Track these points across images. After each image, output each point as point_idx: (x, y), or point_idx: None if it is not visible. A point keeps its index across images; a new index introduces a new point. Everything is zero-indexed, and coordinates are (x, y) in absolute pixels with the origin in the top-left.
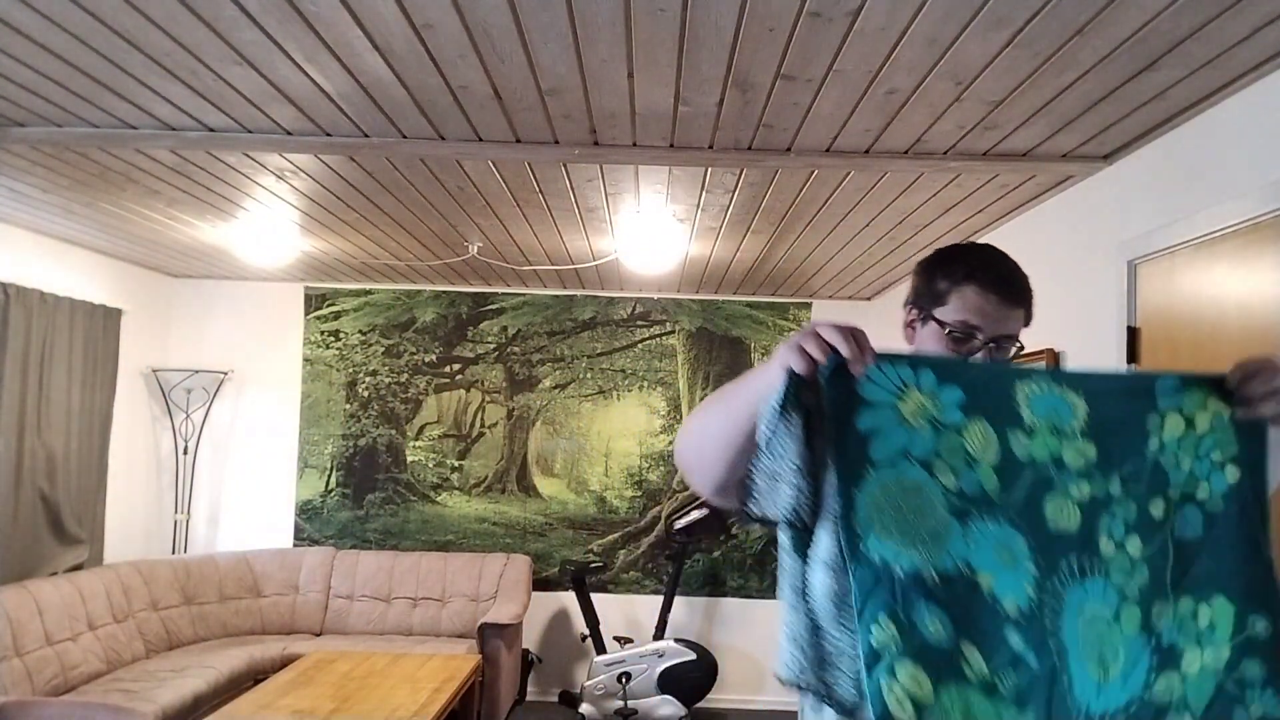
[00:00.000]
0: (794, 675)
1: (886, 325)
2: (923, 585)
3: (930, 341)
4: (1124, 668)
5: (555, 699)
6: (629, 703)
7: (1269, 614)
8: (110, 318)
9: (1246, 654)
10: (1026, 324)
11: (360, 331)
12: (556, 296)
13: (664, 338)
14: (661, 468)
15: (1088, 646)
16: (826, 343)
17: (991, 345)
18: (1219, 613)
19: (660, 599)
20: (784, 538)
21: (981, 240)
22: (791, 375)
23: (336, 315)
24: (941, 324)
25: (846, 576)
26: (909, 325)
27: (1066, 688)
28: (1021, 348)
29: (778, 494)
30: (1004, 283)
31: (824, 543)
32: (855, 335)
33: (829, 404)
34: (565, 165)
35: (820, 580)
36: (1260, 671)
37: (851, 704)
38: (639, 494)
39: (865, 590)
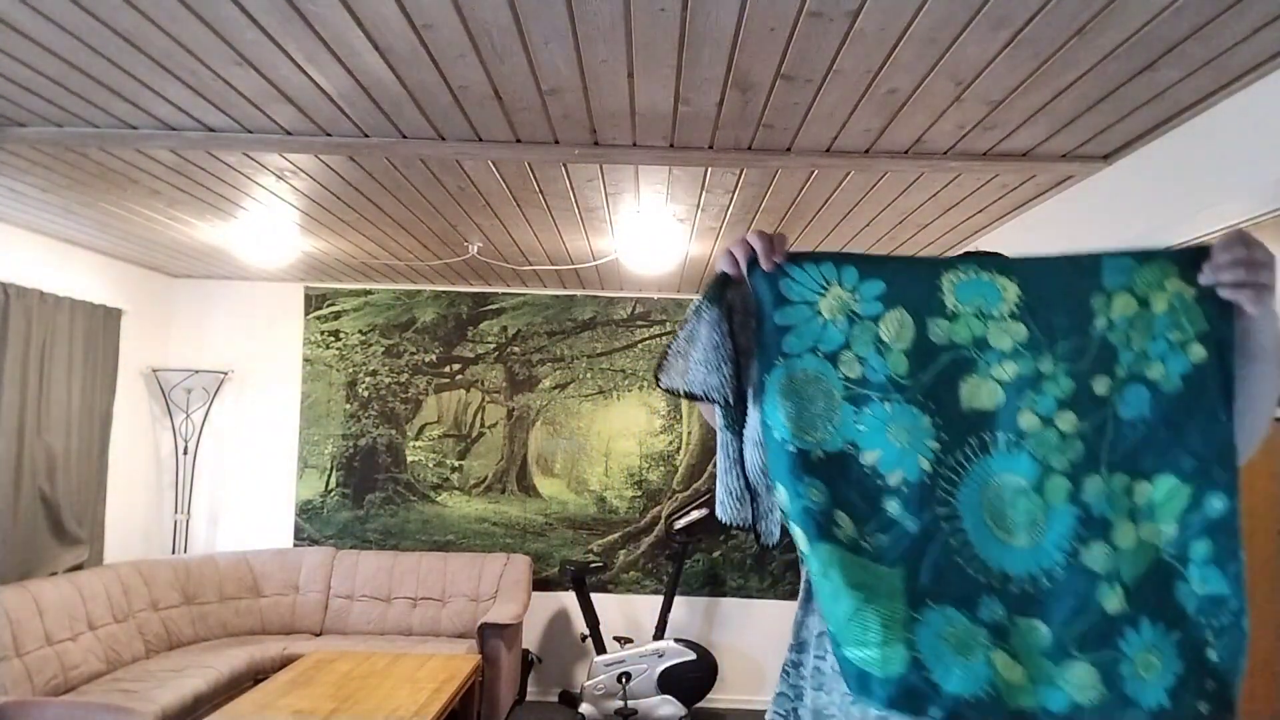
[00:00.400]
0: (732, 519)
1: None
2: (808, 461)
3: None
4: (1043, 535)
5: (555, 699)
6: (629, 703)
7: (1226, 493)
8: (110, 318)
9: (1197, 533)
10: None
11: (360, 331)
12: (556, 296)
13: (664, 338)
14: (662, 468)
15: (994, 514)
16: (749, 245)
17: None
18: (1164, 491)
19: (660, 599)
20: (719, 415)
21: (981, 241)
22: (719, 276)
23: (336, 315)
24: None
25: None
26: None
27: (968, 552)
28: None
29: (691, 374)
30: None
31: (754, 424)
32: (772, 239)
33: (755, 301)
34: (565, 165)
35: (749, 453)
36: (1208, 550)
37: (774, 544)
38: (639, 494)
39: (769, 461)
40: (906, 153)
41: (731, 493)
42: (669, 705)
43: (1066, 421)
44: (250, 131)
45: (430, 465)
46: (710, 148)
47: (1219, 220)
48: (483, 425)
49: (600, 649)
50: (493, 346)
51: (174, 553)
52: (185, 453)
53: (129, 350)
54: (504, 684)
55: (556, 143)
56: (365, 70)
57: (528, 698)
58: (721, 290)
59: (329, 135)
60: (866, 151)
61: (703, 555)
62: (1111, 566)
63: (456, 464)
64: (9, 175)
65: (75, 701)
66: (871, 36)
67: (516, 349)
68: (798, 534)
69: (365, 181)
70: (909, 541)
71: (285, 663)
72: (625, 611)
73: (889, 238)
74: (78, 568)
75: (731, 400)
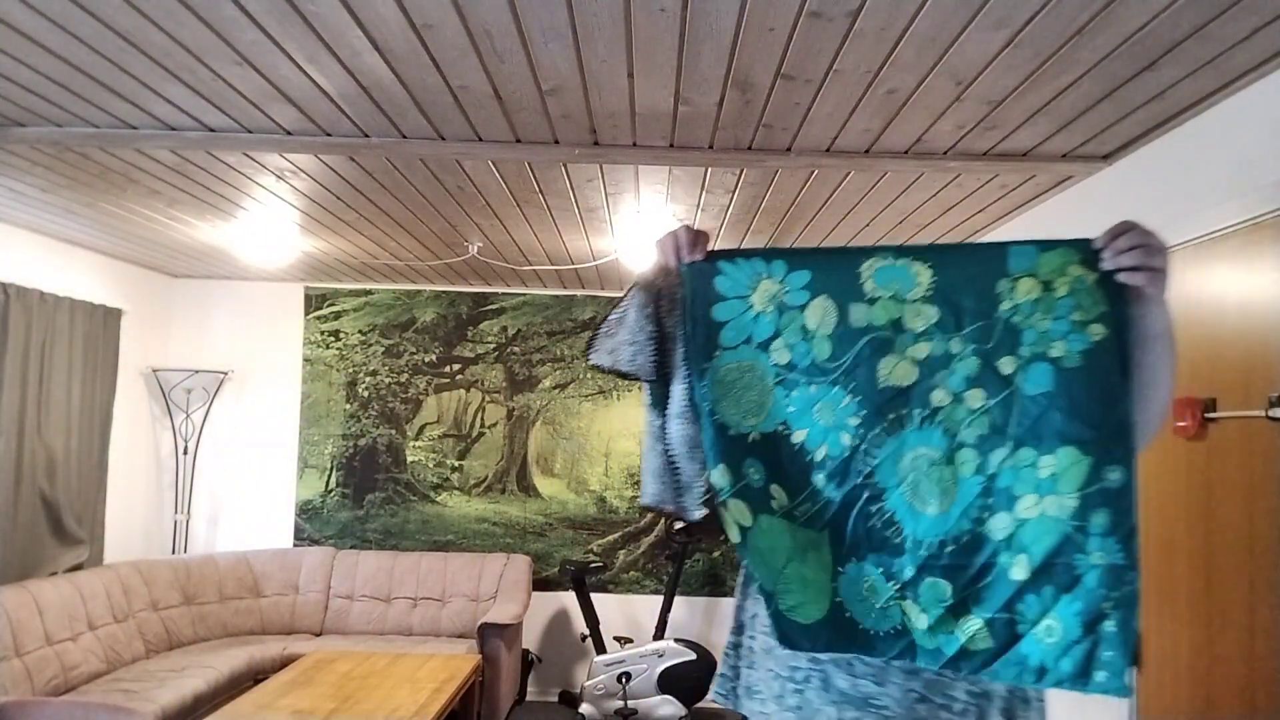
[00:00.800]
0: (655, 501)
1: None
2: (746, 442)
3: None
4: (952, 503)
5: (555, 699)
6: (629, 703)
7: (1123, 466)
8: (110, 318)
9: (1096, 504)
10: None
11: (360, 331)
12: (556, 296)
13: None
14: None
15: (910, 484)
16: (676, 239)
17: None
18: (1066, 464)
19: (660, 599)
20: (645, 392)
21: (980, 240)
22: (652, 266)
23: (336, 315)
24: None
25: (696, 425)
26: None
27: (886, 517)
28: None
29: (619, 352)
30: None
31: (677, 399)
32: (696, 234)
33: (689, 294)
34: (565, 165)
35: (675, 428)
36: (1106, 520)
37: (700, 519)
38: (639, 494)
39: (710, 444)
40: (906, 153)
41: (653, 471)
42: (669, 705)
43: (975, 398)
44: (250, 131)
45: (430, 465)
46: (710, 148)
47: (1219, 220)
48: (483, 425)
49: (600, 649)
50: (493, 346)
51: (174, 553)
52: (185, 453)
53: (129, 350)
54: (504, 684)
55: (556, 143)
56: (365, 70)
57: (528, 698)
58: (652, 280)
59: (329, 135)
60: (866, 151)
61: (703, 555)
62: (1015, 535)
63: (456, 464)
64: (9, 175)
65: (75, 701)
66: (871, 36)
67: (516, 349)
68: (738, 509)
69: (365, 181)
70: (834, 509)
71: (285, 663)
72: (625, 611)
73: (889, 238)
74: (78, 568)
75: (653, 377)
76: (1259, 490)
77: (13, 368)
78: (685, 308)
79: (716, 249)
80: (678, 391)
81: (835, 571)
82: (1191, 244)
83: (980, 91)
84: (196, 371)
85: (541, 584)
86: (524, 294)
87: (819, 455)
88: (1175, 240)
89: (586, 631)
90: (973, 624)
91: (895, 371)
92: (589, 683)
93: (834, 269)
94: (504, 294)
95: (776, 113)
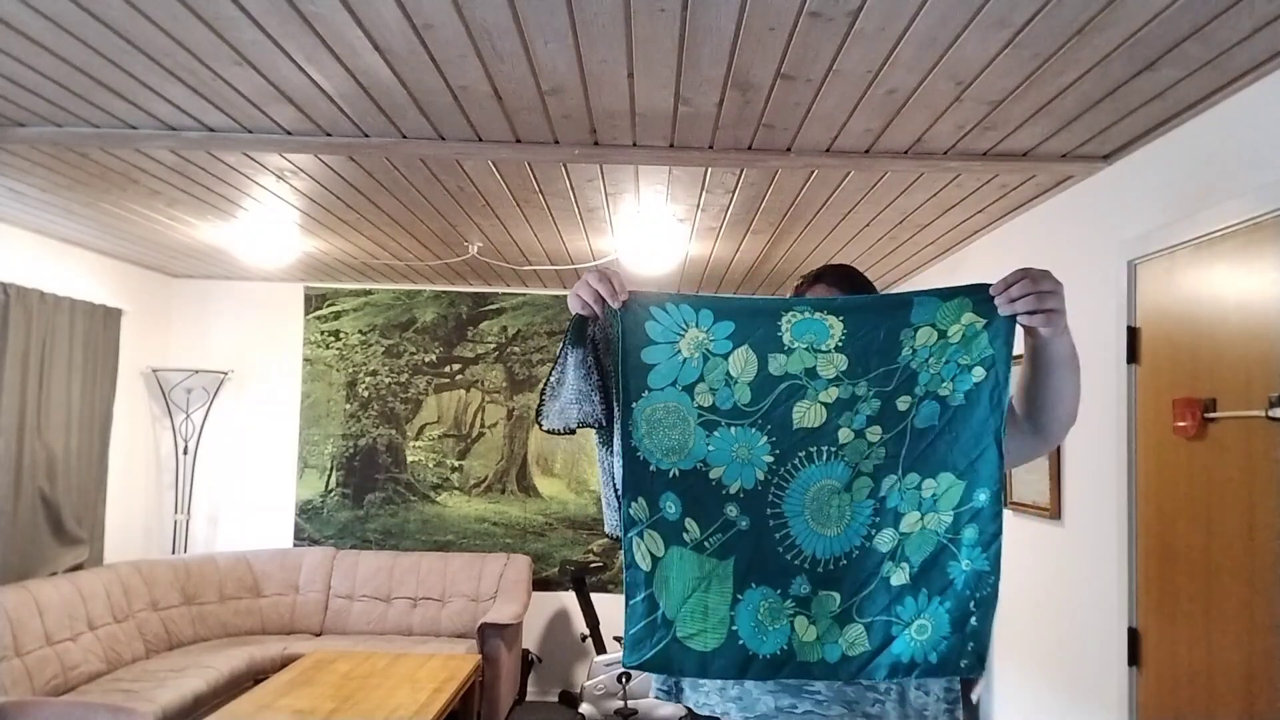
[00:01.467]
0: (613, 531)
1: None
2: (667, 478)
3: None
4: (848, 525)
5: (555, 699)
6: (629, 703)
7: (989, 488)
8: (110, 318)
9: (968, 521)
10: None
11: (360, 331)
12: (556, 296)
13: None
14: None
15: (813, 511)
16: (594, 289)
17: None
18: (945, 487)
19: None
20: (595, 435)
21: (980, 240)
22: (576, 319)
23: (336, 315)
24: None
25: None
26: None
27: (789, 542)
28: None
29: (566, 412)
30: (832, 276)
31: (618, 437)
32: (613, 280)
33: (621, 336)
34: (565, 165)
35: (617, 466)
36: (975, 534)
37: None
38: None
39: (630, 479)
40: (906, 153)
41: (609, 503)
42: (669, 705)
43: (874, 433)
44: (250, 131)
45: (430, 465)
46: (710, 148)
47: (1219, 220)
48: (483, 425)
49: (600, 649)
50: (493, 346)
51: (174, 553)
52: (185, 453)
53: (129, 350)
54: (504, 684)
55: (556, 143)
56: (365, 70)
57: (528, 698)
58: (581, 332)
59: (329, 135)
60: (866, 151)
61: None
62: (899, 548)
63: (456, 464)
64: (9, 175)
65: (75, 701)
66: (871, 36)
67: (516, 349)
68: (652, 540)
69: (365, 181)
70: (740, 537)
71: (285, 663)
72: None
73: (889, 238)
74: (78, 568)
75: (605, 422)
76: (1259, 490)
77: (13, 368)
78: (618, 350)
79: (641, 291)
80: (618, 431)
81: (734, 599)
82: (1191, 244)
83: (980, 91)
84: (196, 371)
85: (541, 584)
86: (524, 294)
87: (733, 489)
88: (1175, 240)
89: (586, 631)
90: (854, 630)
91: (808, 415)
92: (589, 683)
93: (756, 322)
94: (504, 294)
95: (776, 113)
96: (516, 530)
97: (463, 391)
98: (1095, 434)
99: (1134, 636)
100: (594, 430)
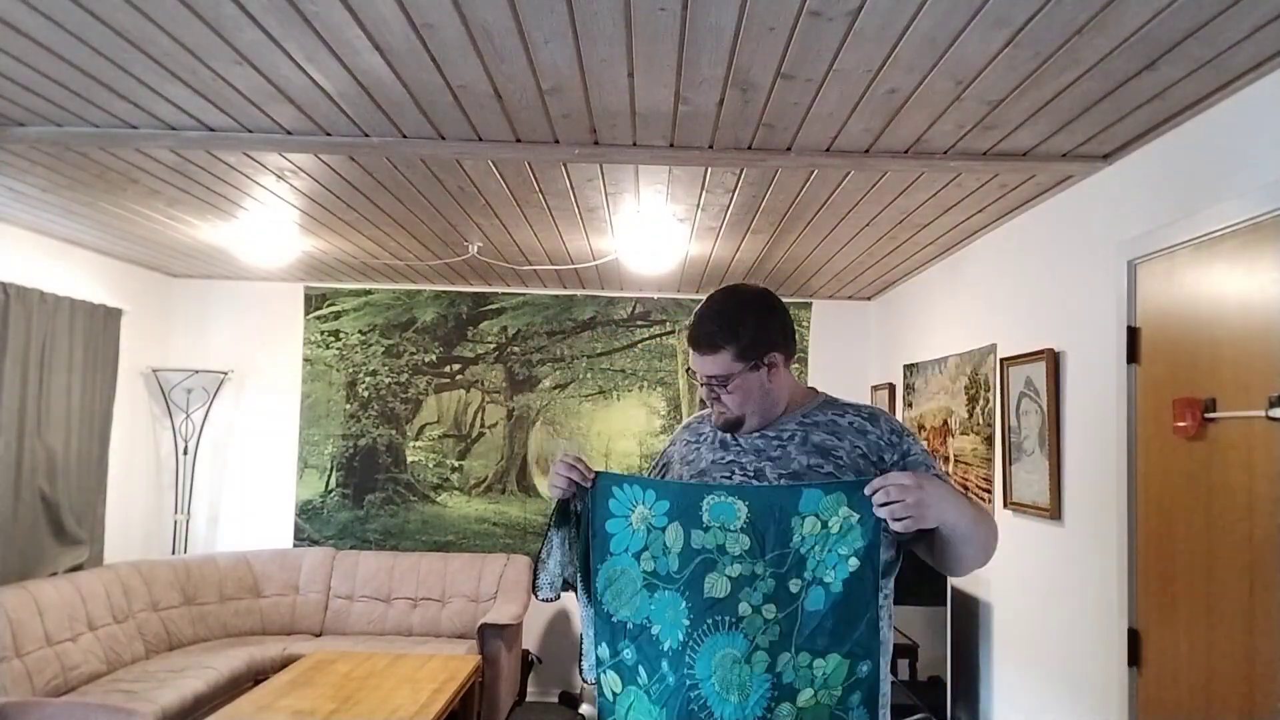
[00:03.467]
0: (547, 599)
1: (887, 324)
2: (625, 629)
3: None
4: (748, 696)
5: (555, 699)
6: None
7: (870, 660)
8: (110, 318)
9: (853, 690)
10: (744, 359)
11: (360, 331)
12: (556, 296)
13: (664, 338)
14: None
15: (719, 677)
16: (567, 477)
17: (711, 382)
18: (832, 665)
19: None
20: (578, 593)
21: (980, 240)
22: (558, 503)
23: (336, 315)
24: (690, 372)
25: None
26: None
27: (701, 702)
28: (727, 380)
29: (555, 582)
30: (693, 339)
31: (589, 593)
32: (578, 467)
33: (591, 508)
34: (565, 165)
35: (589, 615)
36: (860, 697)
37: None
38: None
39: (597, 627)
40: (906, 153)
41: (587, 637)
42: None
43: (769, 610)
44: (250, 131)
45: (430, 465)
46: (710, 147)
47: (1219, 220)
48: (483, 425)
49: None
50: (493, 346)
51: (174, 553)
52: (185, 453)
53: (129, 350)
54: (504, 684)
55: (556, 142)
56: (365, 70)
57: (528, 698)
58: (564, 514)
59: (329, 135)
60: (866, 151)
61: None
62: (794, 718)
63: (456, 464)
64: (9, 175)
65: (75, 702)
66: (871, 36)
67: (516, 349)
68: (613, 679)
69: (365, 181)
70: (670, 691)
71: (285, 663)
72: None
73: (889, 238)
74: (78, 568)
75: (581, 583)
76: (1259, 490)
77: (13, 368)
78: (587, 519)
79: (605, 472)
80: (592, 585)
81: None
82: (1191, 244)
83: (980, 91)
84: (196, 371)
85: None
86: (524, 294)
87: (666, 646)
88: (1175, 240)
89: None
90: None
91: (716, 585)
92: (589, 683)
93: (685, 502)
94: (504, 294)
95: (776, 112)
96: (516, 530)
97: (463, 391)
98: (1095, 434)
99: (1134, 637)
100: (577, 589)
